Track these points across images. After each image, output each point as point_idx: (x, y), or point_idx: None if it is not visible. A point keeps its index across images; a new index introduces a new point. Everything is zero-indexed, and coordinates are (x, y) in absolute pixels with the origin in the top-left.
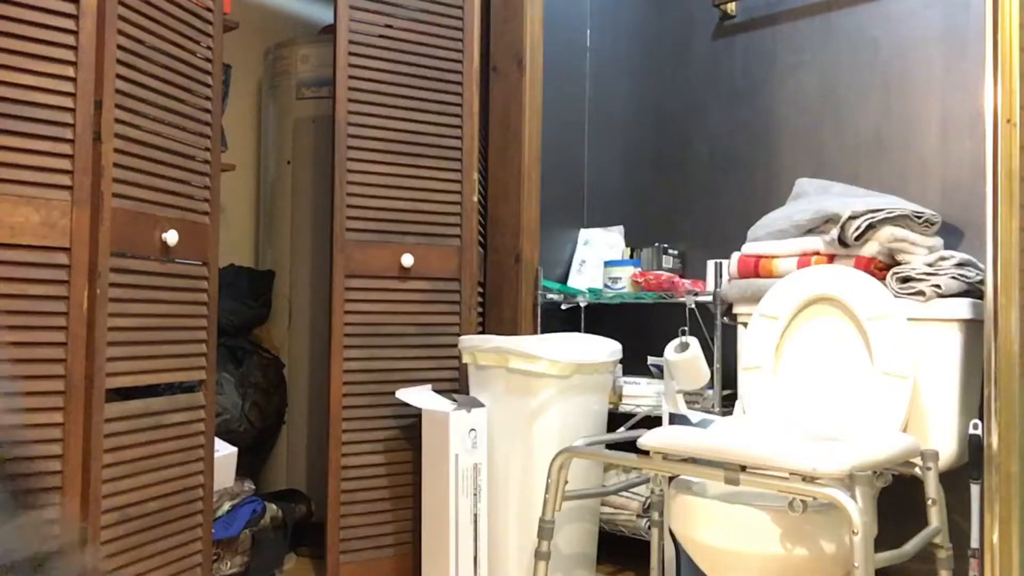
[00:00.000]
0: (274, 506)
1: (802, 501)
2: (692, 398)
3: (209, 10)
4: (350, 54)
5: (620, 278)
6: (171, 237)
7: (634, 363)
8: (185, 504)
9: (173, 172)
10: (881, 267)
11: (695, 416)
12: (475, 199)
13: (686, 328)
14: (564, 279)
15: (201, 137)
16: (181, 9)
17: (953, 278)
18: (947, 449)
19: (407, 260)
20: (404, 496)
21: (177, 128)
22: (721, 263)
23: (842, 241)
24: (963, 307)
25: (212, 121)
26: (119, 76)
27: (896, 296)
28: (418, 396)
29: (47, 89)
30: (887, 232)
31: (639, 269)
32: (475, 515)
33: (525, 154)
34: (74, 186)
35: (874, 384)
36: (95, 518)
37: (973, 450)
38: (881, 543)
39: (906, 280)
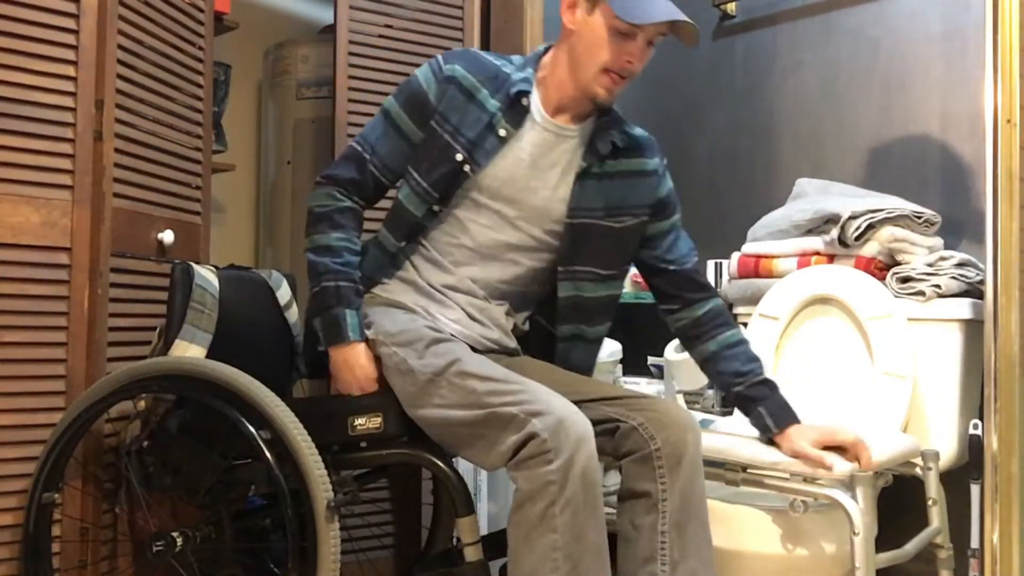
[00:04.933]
0: None
1: (803, 502)
2: (692, 398)
3: (200, 9)
4: (350, 54)
5: None
6: (167, 237)
7: (634, 363)
8: None
9: (168, 172)
10: (881, 267)
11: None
12: None
13: None
14: None
15: (194, 137)
16: (175, 8)
17: (953, 278)
18: (947, 449)
19: None
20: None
21: (171, 128)
22: (721, 263)
23: (842, 241)
24: (963, 307)
25: (203, 121)
26: (119, 76)
27: (896, 296)
28: None
29: (48, 88)
30: (887, 232)
31: None
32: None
33: None
34: (75, 186)
35: (874, 384)
36: (96, 519)
37: (973, 450)
38: (881, 543)
39: (906, 280)
